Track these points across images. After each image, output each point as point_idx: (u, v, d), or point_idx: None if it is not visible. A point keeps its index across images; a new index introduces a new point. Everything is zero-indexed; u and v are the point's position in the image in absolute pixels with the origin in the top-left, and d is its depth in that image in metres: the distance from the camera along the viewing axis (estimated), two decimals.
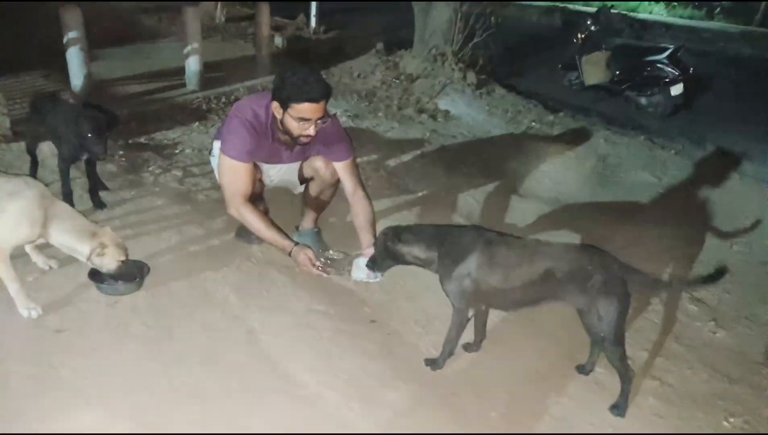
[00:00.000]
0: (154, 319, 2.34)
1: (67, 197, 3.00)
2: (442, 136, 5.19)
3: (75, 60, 4.75)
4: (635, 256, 2.90)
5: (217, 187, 3.34)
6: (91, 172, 3.14)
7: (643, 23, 12.46)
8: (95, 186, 3.18)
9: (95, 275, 2.41)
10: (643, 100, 6.99)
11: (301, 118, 2.35)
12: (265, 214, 2.62)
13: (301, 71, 2.34)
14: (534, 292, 2.08)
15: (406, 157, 4.55)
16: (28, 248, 2.45)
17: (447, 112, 5.83)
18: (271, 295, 2.59)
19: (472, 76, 6.45)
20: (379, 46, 7.54)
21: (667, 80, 6.72)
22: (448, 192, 3.94)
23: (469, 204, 3.81)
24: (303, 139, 2.45)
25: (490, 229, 2.20)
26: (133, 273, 2.43)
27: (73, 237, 2.19)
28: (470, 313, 2.22)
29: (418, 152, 4.69)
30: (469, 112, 5.92)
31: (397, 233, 2.19)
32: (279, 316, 2.45)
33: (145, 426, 1.86)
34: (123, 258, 2.28)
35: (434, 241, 2.16)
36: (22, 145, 3.49)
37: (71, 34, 4.65)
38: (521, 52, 9.12)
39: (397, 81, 6.52)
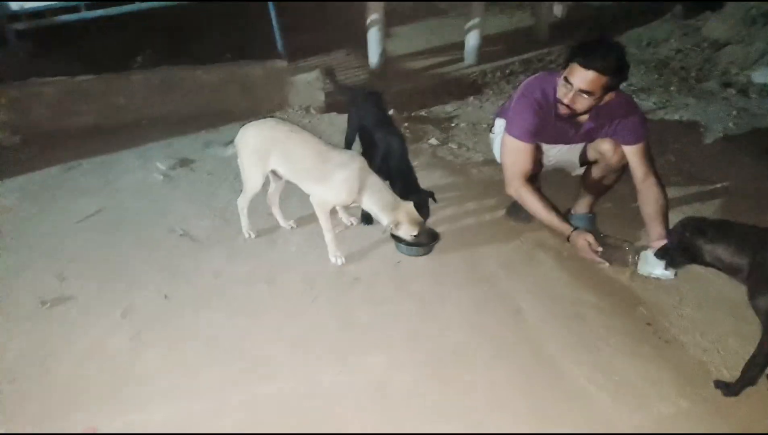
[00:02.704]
0: (430, 283, 2.56)
1: None
2: (754, 115, 4.29)
3: (374, 39, 5.35)
4: None
5: (489, 162, 3.43)
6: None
7: None
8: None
9: (397, 236, 2.68)
10: None
11: (566, 78, 2.27)
12: (542, 194, 2.58)
13: (603, 40, 2.28)
14: None
15: (703, 140, 3.91)
16: (337, 206, 2.92)
17: (763, 86, 4.78)
18: (538, 277, 2.57)
19: None
20: (676, 9, 6.54)
21: None
22: (758, 185, 3.27)
23: None
24: (560, 108, 2.36)
25: None
26: (424, 241, 2.62)
27: (378, 207, 2.54)
28: None
29: (720, 134, 3.99)
30: None
31: (699, 226, 1.92)
32: (546, 300, 2.42)
33: (423, 376, 2.07)
34: (415, 233, 2.53)
35: (747, 244, 1.84)
36: (332, 115, 4.11)
37: (373, 17, 5.24)
38: None
39: (697, 49, 5.60)
